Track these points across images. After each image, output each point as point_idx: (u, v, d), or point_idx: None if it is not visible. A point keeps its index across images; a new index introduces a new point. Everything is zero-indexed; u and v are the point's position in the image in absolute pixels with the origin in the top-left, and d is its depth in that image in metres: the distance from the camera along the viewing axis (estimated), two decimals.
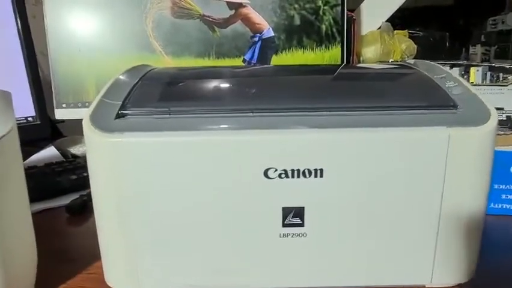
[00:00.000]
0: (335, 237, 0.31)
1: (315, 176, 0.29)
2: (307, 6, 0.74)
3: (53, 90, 0.70)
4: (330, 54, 0.76)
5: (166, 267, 0.32)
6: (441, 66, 0.39)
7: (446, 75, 0.37)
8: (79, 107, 0.71)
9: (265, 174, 0.29)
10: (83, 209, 0.52)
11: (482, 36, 3.19)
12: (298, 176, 0.29)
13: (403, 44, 0.92)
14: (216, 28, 0.72)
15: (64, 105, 0.71)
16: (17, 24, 0.66)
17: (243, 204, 0.30)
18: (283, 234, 0.31)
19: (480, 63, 0.67)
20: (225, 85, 0.37)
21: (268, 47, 0.74)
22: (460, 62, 0.69)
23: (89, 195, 0.55)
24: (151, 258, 0.31)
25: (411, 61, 0.43)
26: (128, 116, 0.32)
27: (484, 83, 0.65)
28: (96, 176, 0.31)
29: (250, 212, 0.30)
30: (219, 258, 0.31)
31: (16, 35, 0.66)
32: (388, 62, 0.86)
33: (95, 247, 0.34)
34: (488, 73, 0.65)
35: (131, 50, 0.71)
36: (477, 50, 3.25)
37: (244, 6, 0.72)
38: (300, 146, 0.29)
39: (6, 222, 0.30)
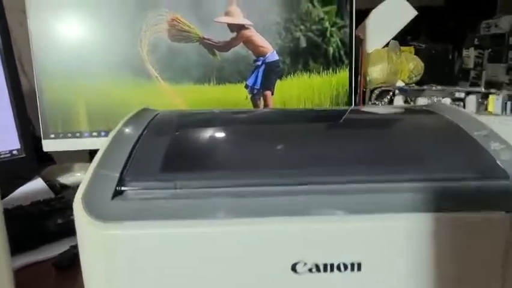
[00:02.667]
0: None
1: (352, 270, 0.25)
2: (313, 27, 0.70)
3: (40, 119, 0.65)
4: (338, 78, 0.72)
5: None
6: (478, 119, 0.35)
7: (489, 132, 0.32)
8: (68, 137, 0.66)
9: (293, 269, 0.24)
10: (74, 264, 0.46)
11: (476, 40, 3.19)
12: (332, 270, 0.25)
13: (411, 64, 0.88)
14: (217, 52, 0.67)
15: (52, 136, 0.65)
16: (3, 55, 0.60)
17: None
18: None
19: (498, 91, 0.63)
20: (239, 149, 0.32)
21: (272, 71, 0.70)
22: (477, 89, 0.65)
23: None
24: None
25: (434, 106, 0.39)
26: (128, 192, 0.27)
27: (505, 114, 0.61)
28: (89, 267, 0.26)
29: None
30: None
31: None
32: (397, 85, 0.82)
33: None
34: (509, 102, 0.61)
35: (125, 75, 0.65)
36: (470, 53, 3.24)
37: (247, 28, 0.68)
38: (333, 236, 0.24)
39: None
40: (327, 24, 0.70)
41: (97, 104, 0.65)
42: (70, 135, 0.66)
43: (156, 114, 0.38)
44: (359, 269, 0.25)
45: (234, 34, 0.67)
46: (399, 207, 0.25)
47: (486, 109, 0.62)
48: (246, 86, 0.69)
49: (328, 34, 0.70)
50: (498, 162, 0.29)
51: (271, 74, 0.69)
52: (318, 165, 0.29)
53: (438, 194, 0.26)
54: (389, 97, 0.80)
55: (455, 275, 0.25)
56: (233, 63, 0.68)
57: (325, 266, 0.24)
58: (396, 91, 0.78)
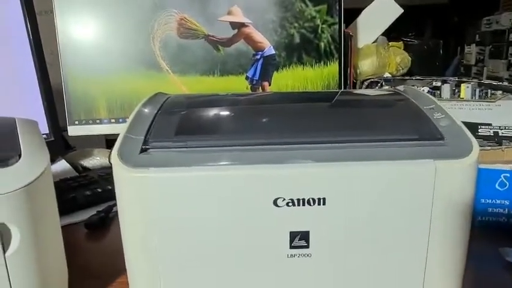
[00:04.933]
0: (335, 257, 0.35)
1: (319, 204, 0.33)
2: (306, 25, 0.78)
3: (66, 108, 0.74)
4: (329, 70, 0.80)
5: (189, 284, 0.35)
6: (429, 96, 0.43)
7: (435, 106, 0.41)
8: (90, 124, 0.75)
9: (275, 203, 0.33)
10: (102, 224, 0.55)
11: (477, 36, 3.23)
12: (303, 204, 0.33)
13: (398, 57, 0.96)
14: (220, 47, 0.76)
15: (76, 122, 0.74)
16: (29, 41, 0.69)
17: (255, 230, 0.34)
18: (291, 255, 0.34)
19: (470, 80, 0.71)
20: (235, 119, 0.41)
21: (269, 64, 0.78)
22: (451, 78, 0.73)
23: (105, 211, 0.58)
24: (172, 280, 0.35)
25: (401, 88, 0.47)
26: (151, 151, 0.35)
27: (473, 99, 0.69)
28: (123, 206, 0.35)
29: (262, 236, 0.34)
30: (234, 277, 0.35)
31: (29, 52, 0.70)
32: (384, 76, 0.90)
33: (117, 264, 0.37)
34: (478, 89, 0.69)
35: (139, 69, 0.74)
36: (472, 49, 3.29)
37: (247, 26, 0.76)
38: (304, 178, 0.33)
39: (45, 248, 0.33)
40: (318, 21, 0.78)
41: (114, 94, 0.74)
42: (91, 121, 0.75)
43: (168, 97, 0.46)
44: (324, 203, 0.33)
45: (236, 31, 0.76)
46: (350, 156, 0.33)
47: (459, 96, 0.70)
48: (246, 78, 0.78)
49: (319, 31, 0.79)
50: (437, 127, 0.37)
51: (268, 67, 0.78)
52: (294, 130, 0.37)
53: (381, 147, 0.34)
54: (377, 87, 0.88)
55: (391, 214, 0.34)
56: (235, 57, 0.77)
57: (298, 200, 0.33)
58: (383, 82, 0.86)
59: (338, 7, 0.78)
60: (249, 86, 0.78)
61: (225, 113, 0.43)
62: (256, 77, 0.78)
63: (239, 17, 0.76)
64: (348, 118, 0.41)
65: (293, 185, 0.33)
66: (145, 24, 0.73)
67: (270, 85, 0.79)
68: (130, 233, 0.35)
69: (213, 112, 0.43)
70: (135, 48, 0.74)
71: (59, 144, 0.74)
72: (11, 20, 0.68)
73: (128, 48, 0.74)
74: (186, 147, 0.35)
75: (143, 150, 0.35)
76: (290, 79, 0.79)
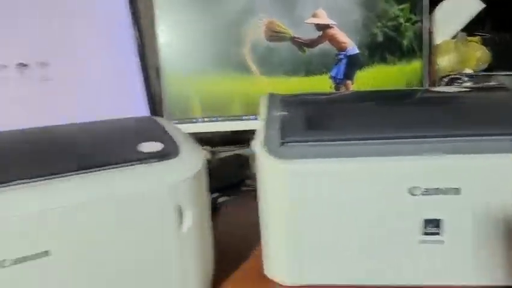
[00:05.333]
0: (466, 244, 0.37)
1: (453, 194, 0.36)
2: (389, 24, 0.79)
3: (163, 108, 0.81)
4: (411, 68, 0.81)
5: (325, 266, 0.39)
6: None
7: None
8: (185, 123, 0.81)
9: (410, 192, 0.36)
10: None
11: None
12: (438, 193, 0.36)
13: (478, 52, 0.94)
14: (305, 48, 0.79)
15: (175, 122, 0.81)
16: (135, 47, 0.76)
17: (391, 217, 0.37)
18: (423, 241, 0.37)
19: None
20: (359, 114, 0.44)
21: (353, 64, 0.80)
22: None
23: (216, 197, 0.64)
24: (312, 259, 0.39)
25: (503, 83, 0.48)
26: (289, 144, 0.40)
27: None
28: (266, 192, 0.39)
29: (399, 222, 0.37)
30: (370, 259, 0.38)
31: (134, 57, 0.77)
32: (464, 72, 0.89)
33: (245, 241, 0.41)
34: None
35: (230, 71, 0.79)
36: None
37: (331, 27, 0.79)
38: (439, 169, 0.36)
39: (206, 228, 0.38)
40: (401, 20, 0.79)
41: (207, 95, 0.80)
42: (187, 120, 0.81)
43: (283, 96, 0.50)
44: (458, 193, 0.36)
45: (320, 33, 0.79)
46: (481, 150, 0.36)
47: None
48: (330, 77, 0.81)
49: (402, 29, 0.80)
50: None
51: (352, 66, 0.80)
52: (423, 124, 0.40)
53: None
54: (457, 84, 0.87)
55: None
56: (319, 57, 0.80)
57: (434, 189, 0.36)
58: (465, 78, 0.85)
59: (421, 4, 0.79)
60: (333, 86, 0.81)
61: (347, 109, 0.47)
62: (340, 76, 0.80)
63: (324, 19, 0.79)
64: (467, 113, 0.43)
65: (428, 175, 0.36)
66: (236, 28, 0.78)
67: (353, 84, 0.81)
68: (272, 215, 0.40)
69: (333, 108, 0.47)
70: (226, 51, 0.79)
71: None
72: (117, 21, 0.75)
73: (220, 51, 0.79)
74: (320, 141, 0.39)
75: (282, 144, 0.39)
76: (373, 78, 0.81)
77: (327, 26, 0.79)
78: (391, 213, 0.36)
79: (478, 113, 0.42)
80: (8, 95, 0.61)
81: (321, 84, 0.80)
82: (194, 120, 0.81)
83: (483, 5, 0.92)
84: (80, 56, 0.69)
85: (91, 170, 0.32)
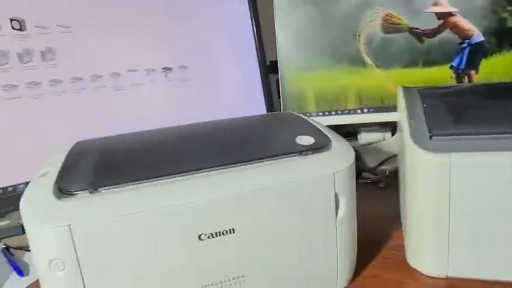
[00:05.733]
0: None
1: None
2: None
3: (281, 104, 0.85)
4: None
5: (472, 259, 0.39)
6: None
7: None
8: None
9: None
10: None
11: None
12: None
13: None
14: (424, 38, 0.77)
15: None
16: (256, 51, 0.82)
17: None
18: None
19: None
20: (501, 104, 0.43)
21: (477, 52, 0.76)
22: None
23: None
24: (460, 251, 0.40)
25: None
26: (434, 136, 0.40)
27: None
28: (414, 184, 0.41)
29: None
30: None
31: (255, 56, 0.83)
32: None
33: (371, 231, 0.42)
34: None
35: (345, 66, 0.81)
36: None
37: (453, 15, 0.76)
38: None
39: (355, 216, 0.41)
40: None
41: (322, 89, 0.83)
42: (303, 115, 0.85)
43: (418, 89, 0.51)
44: None
45: (441, 21, 0.76)
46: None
47: None
48: (451, 67, 0.77)
49: None
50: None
51: (476, 55, 0.76)
52: None
53: None
54: None
55: None
56: (439, 47, 0.77)
57: None
58: None
59: None
60: (454, 76, 0.78)
61: (487, 101, 0.46)
62: (462, 66, 0.77)
63: (445, 6, 0.76)
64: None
65: None
66: (352, 23, 0.79)
67: (477, 73, 0.77)
68: (421, 206, 0.41)
69: (474, 101, 0.46)
70: (341, 46, 0.80)
71: None
72: (241, 24, 0.81)
73: (335, 47, 0.81)
74: (469, 135, 0.39)
75: (431, 137, 0.40)
76: (500, 65, 0.76)
77: (449, 14, 0.76)
78: None
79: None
80: (156, 95, 0.71)
81: (441, 75, 0.78)
82: (308, 115, 0.84)
83: None
84: (212, 58, 0.77)
85: (267, 159, 0.37)
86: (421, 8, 0.77)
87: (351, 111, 0.83)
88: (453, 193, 0.38)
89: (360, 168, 0.79)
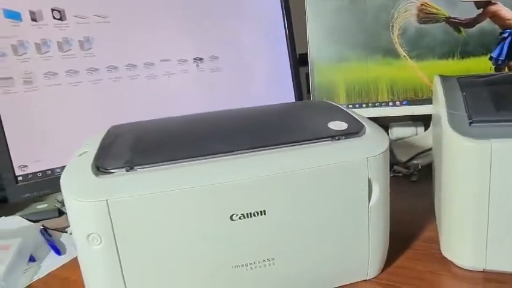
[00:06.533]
0: None
1: None
2: None
3: (311, 93, 0.85)
4: None
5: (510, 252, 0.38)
6: None
7: None
8: None
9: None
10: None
11: None
12: None
13: None
14: (462, 28, 0.75)
15: None
16: (286, 39, 0.82)
17: None
18: None
19: None
20: None
21: None
22: None
23: None
24: (497, 243, 0.38)
25: None
26: (475, 124, 0.39)
27: None
28: (453, 172, 0.39)
29: None
30: None
31: (286, 49, 0.82)
32: None
33: (405, 223, 0.41)
34: None
35: (377, 57, 0.79)
36: None
37: (494, 4, 0.73)
38: None
39: (388, 203, 0.40)
40: None
41: (353, 81, 0.82)
42: None
43: (455, 78, 0.49)
44: None
45: (481, 10, 0.73)
46: None
47: None
48: (490, 58, 0.74)
49: None
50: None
51: None
52: None
53: None
54: None
55: None
56: (477, 37, 0.74)
57: None
58: None
59: None
60: (493, 68, 0.75)
61: None
62: (503, 57, 0.74)
63: None
64: None
65: None
66: (385, 13, 0.77)
67: None
68: (459, 196, 0.39)
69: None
70: (374, 37, 0.79)
71: None
72: (271, 15, 0.81)
73: (368, 37, 0.79)
74: (508, 121, 0.38)
75: (471, 124, 0.39)
76: None
77: (489, 3, 0.73)
78: None
79: None
80: (187, 84, 0.72)
81: (479, 66, 0.75)
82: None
83: None
84: (242, 49, 0.77)
85: (291, 144, 0.37)
86: None
87: (383, 104, 0.81)
88: (493, 182, 0.37)
89: (391, 161, 0.78)
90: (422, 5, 0.76)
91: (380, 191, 0.38)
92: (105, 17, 0.66)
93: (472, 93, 0.44)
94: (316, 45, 0.82)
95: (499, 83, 0.48)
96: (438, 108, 0.44)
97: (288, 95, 0.83)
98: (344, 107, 0.49)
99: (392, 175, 0.74)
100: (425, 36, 0.77)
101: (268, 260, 0.37)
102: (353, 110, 0.84)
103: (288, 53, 0.82)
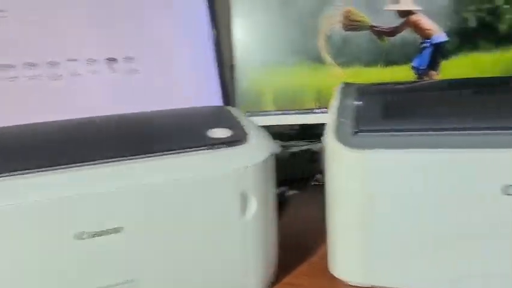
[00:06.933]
0: None
1: None
2: (484, 7, 0.71)
3: (236, 100, 0.82)
4: (509, 56, 0.72)
5: (397, 267, 0.36)
6: None
7: None
8: (257, 115, 0.81)
9: (504, 191, 0.31)
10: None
11: None
12: None
13: None
14: (385, 37, 0.75)
15: (246, 114, 0.81)
16: (211, 38, 0.78)
17: (479, 217, 0.33)
18: None
19: None
20: (436, 103, 0.40)
21: (438, 52, 0.74)
22: None
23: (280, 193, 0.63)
24: (383, 258, 0.36)
25: None
26: (362, 134, 0.37)
27: None
28: (334, 184, 0.37)
29: (488, 224, 0.32)
30: (448, 265, 0.34)
31: (211, 49, 0.79)
32: None
33: (311, 235, 0.40)
34: None
35: (304, 63, 0.78)
36: None
37: (415, 14, 0.73)
38: None
39: (271, 218, 0.38)
40: (500, 1, 0.70)
41: (280, 88, 0.79)
42: (259, 113, 0.81)
43: (357, 86, 0.48)
44: None
45: (402, 20, 0.74)
46: None
47: None
48: (412, 67, 0.75)
49: (499, 12, 0.71)
50: None
51: (437, 55, 0.73)
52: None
53: None
54: None
55: None
56: (400, 46, 0.75)
57: None
58: None
59: None
60: (415, 77, 0.75)
61: (421, 98, 0.43)
62: (424, 66, 0.74)
63: (407, 4, 0.73)
64: None
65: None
66: (311, 19, 0.76)
67: (438, 74, 0.74)
68: (341, 209, 0.38)
69: (411, 98, 0.43)
70: (301, 43, 0.77)
71: None
72: (195, 14, 0.77)
73: (295, 43, 0.78)
74: (396, 131, 0.36)
75: (355, 133, 0.37)
76: (462, 67, 0.73)
77: (411, 12, 0.73)
78: (477, 212, 0.32)
79: None
80: (98, 86, 0.67)
81: (402, 75, 0.75)
82: (265, 113, 0.80)
83: None
84: (162, 50, 0.73)
85: (158, 153, 0.33)
86: (382, 5, 0.74)
87: (310, 111, 0.80)
88: (376, 195, 0.35)
89: (315, 170, 0.76)
90: (346, 12, 0.75)
91: (258, 204, 0.35)
92: (3, 11, 0.61)
93: (368, 101, 0.42)
94: (242, 48, 0.80)
95: (400, 91, 0.47)
96: (330, 117, 0.42)
97: (213, 97, 0.79)
98: (239, 114, 0.46)
99: (312, 184, 0.73)
100: (350, 43, 0.76)
101: (129, 281, 0.33)
102: (281, 117, 0.83)
103: (214, 54, 0.79)
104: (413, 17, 0.73)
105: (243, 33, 0.79)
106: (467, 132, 0.33)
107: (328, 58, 0.77)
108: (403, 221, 0.35)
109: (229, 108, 0.49)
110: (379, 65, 0.75)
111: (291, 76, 0.78)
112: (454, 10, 0.72)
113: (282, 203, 0.61)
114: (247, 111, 0.81)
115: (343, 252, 0.39)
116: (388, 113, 0.39)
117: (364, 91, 0.46)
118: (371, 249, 0.37)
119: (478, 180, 0.32)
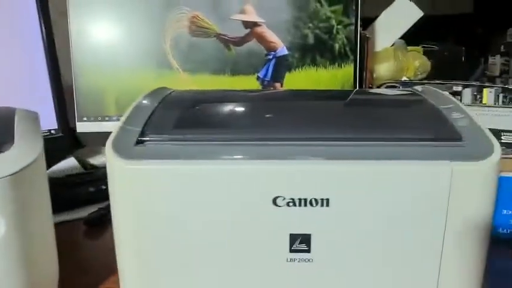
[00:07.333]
0: (338, 263, 0.32)
1: (322, 205, 0.31)
2: (321, 25, 0.76)
3: (75, 104, 0.73)
4: (344, 72, 0.78)
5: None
6: (449, 96, 0.40)
7: (453, 106, 0.38)
8: (99, 121, 0.74)
9: (274, 202, 0.31)
10: (101, 222, 0.54)
11: (502, 47, 3.14)
12: (305, 205, 0.31)
13: (416, 61, 0.92)
14: (232, 46, 0.74)
15: (84, 119, 0.73)
16: (42, 37, 0.69)
17: (252, 230, 0.31)
18: (290, 259, 0.32)
19: (493, 85, 0.67)
20: (239, 113, 0.39)
21: (281, 65, 0.76)
22: (473, 83, 0.69)
23: (106, 208, 0.57)
24: (165, 279, 0.33)
25: (420, 88, 0.44)
26: (147, 143, 0.34)
27: (497, 105, 0.65)
28: (115, 200, 0.33)
29: (260, 237, 0.31)
30: (229, 281, 0.33)
31: (41, 48, 0.69)
32: (401, 80, 0.87)
33: (112, 261, 0.35)
34: (501, 95, 0.65)
35: (150, 67, 0.73)
36: (496, 60, 3.19)
37: (259, 25, 0.74)
38: (307, 176, 0.31)
39: (32, 241, 0.32)
40: (333, 22, 0.76)
41: (124, 92, 0.74)
42: (100, 118, 0.74)
43: (172, 91, 0.45)
44: (328, 204, 0.31)
45: (248, 31, 0.74)
46: (361, 155, 0.31)
47: (481, 102, 0.66)
48: (258, 78, 0.76)
49: (334, 31, 0.76)
50: (455, 127, 0.34)
51: (281, 68, 0.76)
52: (300, 126, 0.35)
53: (394, 147, 0.32)
54: None
55: (405, 216, 0.31)
56: (246, 57, 0.75)
57: (300, 200, 0.31)
58: (401, 86, 0.83)
59: (354, 7, 0.76)
60: (260, 87, 0.76)
61: (227, 108, 0.41)
62: (268, 77, 0.76)
63: (252, 16, 0.74)
64: (360, 116, 0.39)
65: (294, 183, 0.31)
66: (156, 22, 0.72)
67: (282, 86, 0.76)
68: (121, 228, 0.33)
69: (213, 107, 0.42)
70: (146, 46, 0.73)
71: (67, 140, 0.73)
72: (22, 11, 0.68)
73: (139, 46, 0.73)
74: (183, 141, 0.34)
75: (139, 142, 0.34)
76: (303, 80, 0.77)
77: (255, 24, 0.74)
78: (253, 226, 0.31)
79: (368, 117, 0.37)
80: None
81: (248, 85, 0.75)
82: (107, 119, 0.74)
83: (421, 13, 0.90)
84: None
85: None
86: (228, 14, 0.74)
87: None
88: (148, 209, 0.32)
89: None
90: (193, 17, 0.73)
91: (7, 224, 0.29)
92: None
93: (168, 109, 0.39)
94: (81, 50, 0.72)
95: (212, 100, 0.45)
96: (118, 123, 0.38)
97: (46, 104, 0.70)
98: (29, 119, 0.39)
99: None
100: (197, 50, 0.74)
101: None
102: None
103: (45, 55, 0.69)
104: (258, 29, 0.75)
105: (79, 31, 0.71)
106: (244, 143, 0.32)
107: (174, 63, 0.74)
108: (179, 240, 0.32)
109: (20, 110, 0.41)
110: (226, 74, 0.75)
111: (137, 81, 0.73)
112: (294, 25, 0.75)
113: (100, 224, 0.55)
114: (88, 116, 0.74)
115: (128, 278, 0.35)
116: (177, 122, 0.36)
117: (174, 98, 0.43)
118: (151, 271, 0.33)
119: (251, 193, 0.31)
